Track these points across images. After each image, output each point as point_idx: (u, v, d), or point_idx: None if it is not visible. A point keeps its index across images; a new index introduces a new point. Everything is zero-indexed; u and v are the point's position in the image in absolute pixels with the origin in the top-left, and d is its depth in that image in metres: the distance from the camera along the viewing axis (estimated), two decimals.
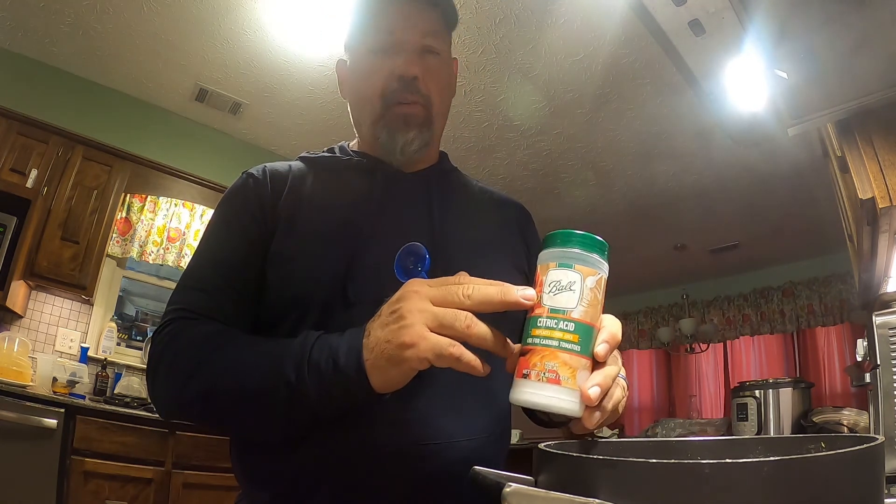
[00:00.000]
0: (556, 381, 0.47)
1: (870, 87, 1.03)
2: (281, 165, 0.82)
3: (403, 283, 0.56)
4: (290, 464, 0.65)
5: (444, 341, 0.50)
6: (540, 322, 0.49)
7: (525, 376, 0.48)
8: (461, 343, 0.50)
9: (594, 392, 0.47)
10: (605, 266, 0.51)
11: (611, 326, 0.51)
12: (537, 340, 0.48)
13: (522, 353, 0.49)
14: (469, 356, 0.50)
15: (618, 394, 0.54)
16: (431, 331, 0.50)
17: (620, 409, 0.56)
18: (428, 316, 0.51)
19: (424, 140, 0.80)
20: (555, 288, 0.49)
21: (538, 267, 0.51)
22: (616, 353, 0.53)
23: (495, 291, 0.51)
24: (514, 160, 3.77)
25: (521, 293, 0.50)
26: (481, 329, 0.50)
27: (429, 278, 0.56)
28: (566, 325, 0.48)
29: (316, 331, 0.59)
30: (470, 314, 0.50)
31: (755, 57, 0.98)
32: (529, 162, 3.78)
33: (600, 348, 0.49)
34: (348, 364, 0.54)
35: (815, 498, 0.34)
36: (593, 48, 2.71)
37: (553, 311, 0.48)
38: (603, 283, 0.50)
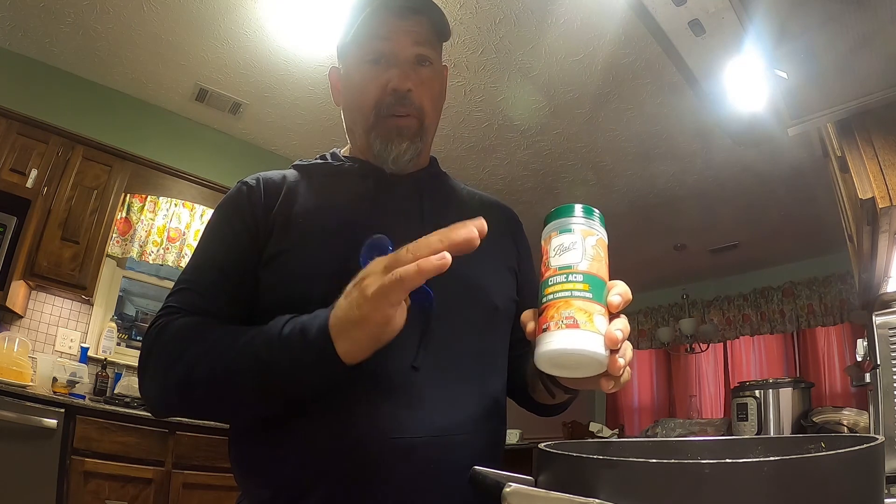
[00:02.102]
0: (575, 326, 0.48)
1: (870, 87, 1.03)
2: (275, 174, 0.83)
3: None
4: (289, 462, 0.66)
5: (384, 278, 0.53)
6: (550, 281, 0.51)
7: (545, 330, 0.50)
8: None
9: (618, 334, 0.49)
10: (604, 231, 0.54)
11: (622, 284, 0.54)
12: (550, 296, 0.50)
13: (539, 314, 0.51)
14: (408, 269, 0.51)
15: (630, 353, 0.55)
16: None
17: (629, 373, 0.58)
18: (381, 275, 0.54)
19: (417, 150, 0.82)
20: (559, 250, 0.52)
21: (542, 243, 0.54)
22: (624, 317, 0.55)
23: (438, 235, 0.53)
24: (514, 160, 3.77)
25: (465, 230, 0.53)
26: (421, 245, 0.53)
27: None
28: (575, 277, 0.50)
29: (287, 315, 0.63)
30: (411, 246, 0.53)
31: (755, 57, 0.98)
32: (529, 162, 3.78)
33: (614, 298, 0.51)
34: (314, 334, 0.57)
35: (815, 498, 0.34)
36: (593, 48, 2.71)
37: (561, 268, 0.51)
38: (603, 244, 0.53)
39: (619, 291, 0.52)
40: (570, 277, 0.50)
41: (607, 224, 0.56)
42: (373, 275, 0.55)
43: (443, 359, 0.70)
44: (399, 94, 0.77)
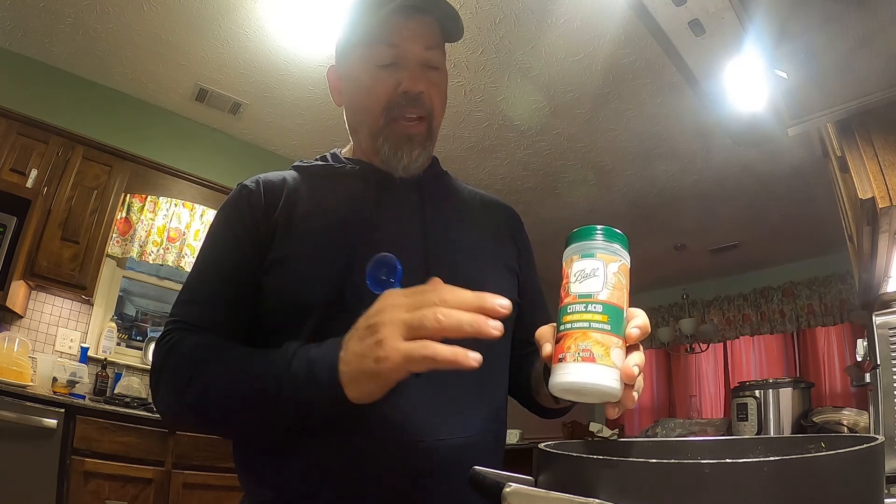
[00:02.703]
0: (591, 360, 0.48)
1: (870, 87, 1.03)
2: (275, 175, 0.83)
3: (377, 294, 0.56)
4: (292, 464, 0.66)
5: (414, 345, 0.50)
6: (569, 308, 0.50)
7: (561, 360, 0.49)
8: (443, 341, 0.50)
9: (635, 370, 0.49)
10: (627, 255, 0.53)
11: (641, 316, 0.53)
12: (568, 325, 0.50)
13: (556, 342, 0.51)
14: (444, 352, 0.49)
15: (642, 383, 0.55)
16: (406, 339, 0.50)
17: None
18: (400, 326, 0.51)
19: (427, 155, 0.81)
20: (580, 276, 0.51)
21: (563, 264, 0.53)
22: (641, 349, 0.54)
23: (471, 296, 0.51)
24: (514, 160, 3.77)
25: (497, 301, 0.51)
26: (454, 318, 0.50)
27: (402, 288, 0.57)
28: (594, 307, 0.49)
29: (296, 342, 0.61)
30: (439, 307, 0.50)
31: (755, 57, 0.98)
32: (529, 162, 3.78)
33: (633, 331, 0.51)
34: (323, 377, 0.55)
35: (815, 498, 0.34)
36: (593, 48, 2.71)
37: (581, 296, 0.50)
38: (626, 270, 0.52)
39: (638, 324, 0.51)
40: (590, 307, 0.49)
41: (608, 225, 0.55)
42: (391, 325, 0.51)
43: None
44: (411, 96, 0.76)
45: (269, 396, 0.58)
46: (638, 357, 0.51)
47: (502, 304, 0.51)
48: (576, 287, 0.51)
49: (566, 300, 0.51)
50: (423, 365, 0.50)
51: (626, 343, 0.50)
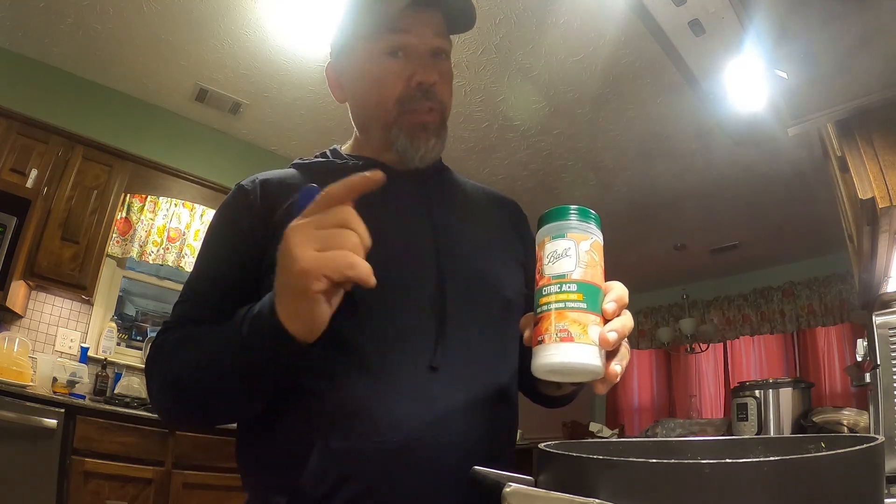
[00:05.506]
0: (570, 339, 0.48)
1: (870, 87, 1.03)
2: (273, 174, 0.81)
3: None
4: (306, 466, 0.64)
5: (337, 255, 0.49)
6: (545, 291, 0.51)
7: (540, 342, 0.50)
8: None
9: (612, 336, 0.49)
10: (598, 233, 0.53)
11: (618, 288, 0.53)
12: (545, 307, 0.50)
13: (535, 325, 0.51)
14: (363, 266, 0.50)
15: (627, 353, 0.54)
16: (317, 250, 0.50)
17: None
18: (311, 239, 0.50)
19: (442, 144, 0.80)
20: (552, 257, 0.51)
21: (536, 248, 0.54)
22: (627, 312, 0.54)
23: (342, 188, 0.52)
24: (514, 160, 3.77)
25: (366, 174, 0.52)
26: (349, 235, 0.51)
27: None
28: (569, 287, 0.50)
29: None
30: (338, 229, 0.51)
31: (755, 57, 0.98)
32: (529, 162, 3.78)
33: (609, 305, 0.51)
34: (265, 313, 0.55)
35: (815, 498, 0.34)
36: (593, 48, 2.71)
37: (555, 277, 0.51)
38: (598, 247, 0.52)
39: (614, 297, 0.51)
40: (564, 287, 0.50)
41: (607, 225, 0.55)
42: (301, 243, 0.50)
43: (460, 357, 0.70)
44: (424, 87, 0.75)
45: (231, 348, 0.59)
46: (617, 322, 0.51)
47: (375, 176, 0.52)
48: (549, 268, 0.51)
49: (541, 283, 0.52)
50: (337, 270, 0.49)
51: (604, 319, 0.51)
